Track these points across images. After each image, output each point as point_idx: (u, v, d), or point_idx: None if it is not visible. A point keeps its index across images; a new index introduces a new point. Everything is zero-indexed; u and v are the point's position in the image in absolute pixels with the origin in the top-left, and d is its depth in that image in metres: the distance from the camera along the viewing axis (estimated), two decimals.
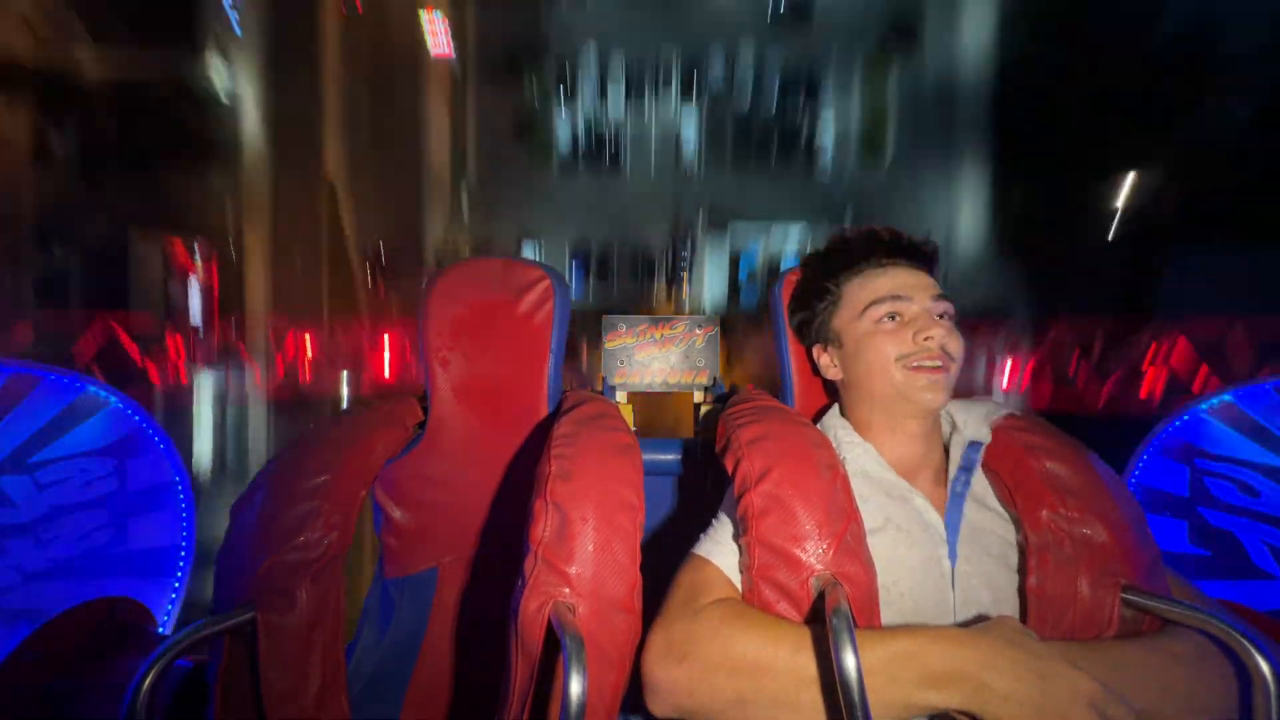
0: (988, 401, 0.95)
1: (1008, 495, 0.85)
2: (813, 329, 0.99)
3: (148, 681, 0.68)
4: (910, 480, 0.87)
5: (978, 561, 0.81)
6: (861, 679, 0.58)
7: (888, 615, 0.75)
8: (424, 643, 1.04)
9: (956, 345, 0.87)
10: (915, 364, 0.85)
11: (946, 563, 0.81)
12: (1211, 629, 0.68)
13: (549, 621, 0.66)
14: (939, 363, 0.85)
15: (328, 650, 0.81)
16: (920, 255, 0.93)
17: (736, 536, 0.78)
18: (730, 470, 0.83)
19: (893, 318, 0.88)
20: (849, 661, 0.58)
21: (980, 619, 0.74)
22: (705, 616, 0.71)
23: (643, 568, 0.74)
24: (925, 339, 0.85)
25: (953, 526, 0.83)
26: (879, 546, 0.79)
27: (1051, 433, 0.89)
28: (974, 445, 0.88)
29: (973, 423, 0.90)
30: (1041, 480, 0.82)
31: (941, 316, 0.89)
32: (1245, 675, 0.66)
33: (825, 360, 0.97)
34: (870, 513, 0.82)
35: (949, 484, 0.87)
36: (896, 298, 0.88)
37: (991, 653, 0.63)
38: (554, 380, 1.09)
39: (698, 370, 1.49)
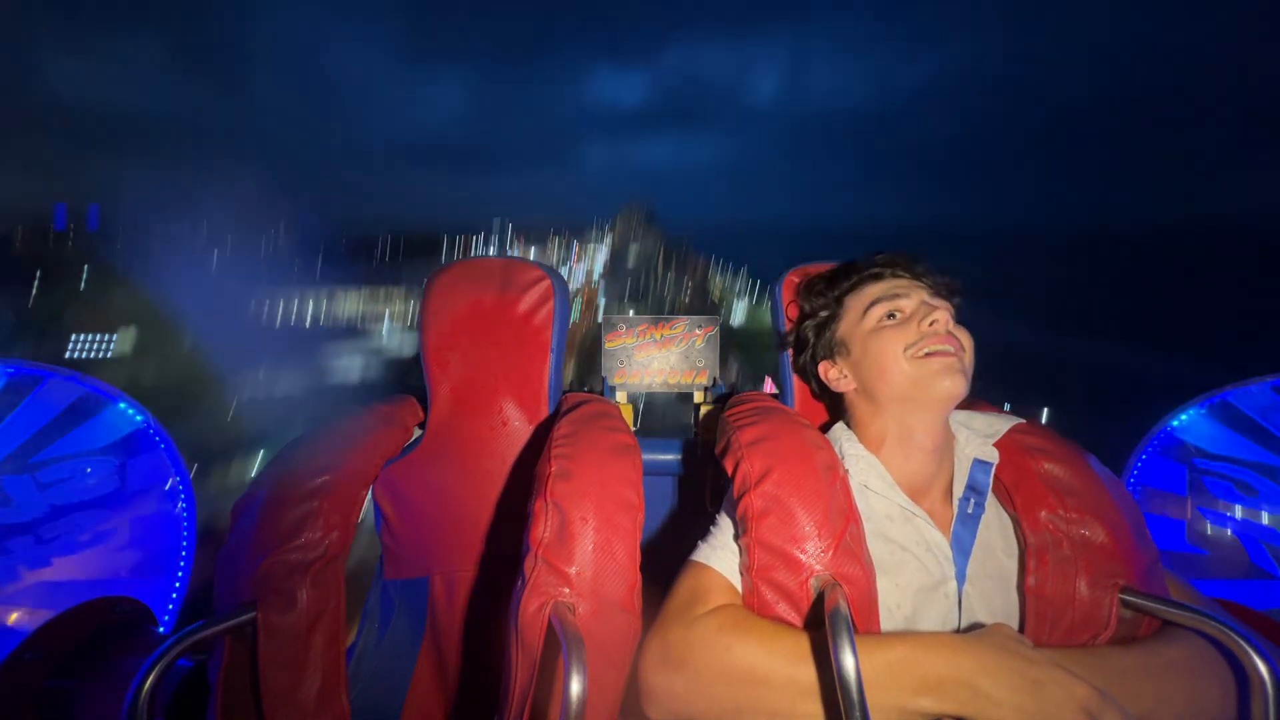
0: (992, 412, 0.93)
1: (1006, 496, 0.85)
2: (818, 345, 0.98)
3: (149, 681, 0.68)
4: (918, 499, 0.85)
5: (981, 583, 0.80)
6: (860, 679, 0.58)
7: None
8: (424, 643, 1.04)
9: (964, 335, 0.86)
10: (925, 350, 0.84)
11: (952, 584, 0.80)
12: (1209, 629, 0.68)
13: (549, 621, 0.66)
14: (949, 346, 0.83)
15: (328, 650, 0.81)
16: (916, 269, 0.93)
17: (736, 537, 0.78)
18: (730, 471, 0.83)
19: (892, 316, 0.89)
20: (848, 662, 0.59)
21: (977, 628, 0.74)
22: (702, 624, 0.70)
23: (643, 568, 0.74)
24: (930, 322, 0.85)
25: (962, 549, 0.82)
26: (884, 571, 0.78)
27: (1050, 435, 0.89)
28: (981, 464, 0.86)
29: (975, 439, 0.88)
30: (1040, 481, 0.82)
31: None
32: (1242, 676, 0.66)
33: (834, 373, 0.96)
34: (869, 534, 0.80)
35: (955, 501, 0.85)
36: (894, 296, 0.89)
37: (986, 659, 0.63)
38: (554, 380, 1.09)
39: (698, 370, 1.48)
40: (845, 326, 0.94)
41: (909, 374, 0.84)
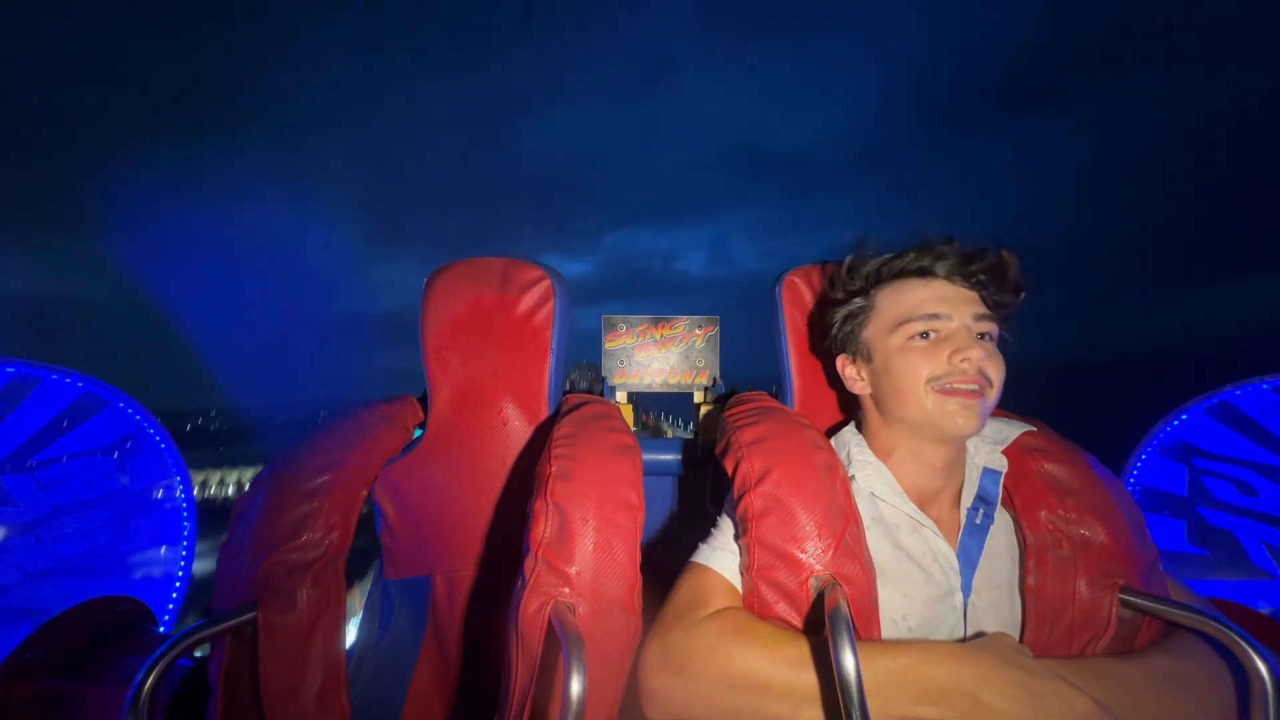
0: (1002, 418, 0.91)
1: (1007, 496, 0.85)
2: (840, 338, 0.93)
3: (149, 681, 0.68)
4: (926, 507, 0.84)
5: (988, 594, 0.80)
6: (860, 677, 0.58)
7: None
8: (424, 643, 1.04)
9: (996, 369, 0.80)
10: (949, 386, 0.79)
11: (958, 595, 0.79)
12: (1209, 629, 0.68)
13: (549, 621, 0.66)
14: (975, 386, 0.78)
15: (328, 650, 0.81)
16: (971, 270, 0.82)
17: (737, 537, 0.78)
18: (730, 471, 0.82)
19: (926, 336, 0.82)
20: (848, 662, 0.59)
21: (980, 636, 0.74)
22: (703, 629, 0.70)
23: (643, 568, 0.74)
24: (962, 360, 0.78)
25: (969, 559, 0.80)
26: (890, 581, 0.78)
27: (1051, 435, 0.88)
28: (990, 473, 0.85)
29: (984, 446, 0.86)
30: (1040, 481, 0.82)
31: (983, 337, 0.82)
32: (1243, 678, 0.66)
33: (851, 373, 0.91)
34: (875, 540, 0.80)
35: (963, 509, 0.84)
36: (933, 315, 0.81)
37: (987, 670, 0.62)
38: (554, 381, 1.08)
39: (698, 370, 1.48)
40: (873, 330, 0.87)
41: (925, 407, 0.80)
